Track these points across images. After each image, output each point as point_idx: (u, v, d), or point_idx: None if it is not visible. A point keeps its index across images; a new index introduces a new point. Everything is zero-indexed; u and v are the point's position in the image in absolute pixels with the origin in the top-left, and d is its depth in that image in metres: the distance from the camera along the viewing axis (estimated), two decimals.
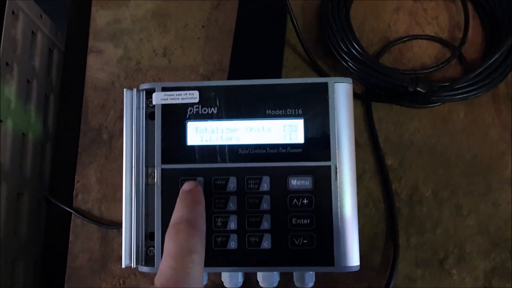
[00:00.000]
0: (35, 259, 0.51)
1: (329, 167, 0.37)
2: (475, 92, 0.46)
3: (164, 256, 0.31)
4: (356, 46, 0.47)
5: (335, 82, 0.38)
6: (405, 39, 0.51)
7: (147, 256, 0.38)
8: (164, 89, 0.39)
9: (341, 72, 0.49)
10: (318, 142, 0.38)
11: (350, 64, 0.48)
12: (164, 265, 0.30)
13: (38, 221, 0.52)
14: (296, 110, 0.38)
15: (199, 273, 0.30)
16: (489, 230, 0.45)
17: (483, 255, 0.45)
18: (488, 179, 0.47)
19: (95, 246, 0.48)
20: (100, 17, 0.54)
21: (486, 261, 0.45)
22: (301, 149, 0.38)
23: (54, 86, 0.58)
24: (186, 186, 0.36)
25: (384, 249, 0.46)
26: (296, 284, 0.40)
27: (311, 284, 0.40)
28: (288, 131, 0.38)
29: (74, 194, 0.49)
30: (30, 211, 0.51)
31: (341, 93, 0.38)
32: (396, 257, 0.44)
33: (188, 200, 0.35)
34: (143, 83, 0.40)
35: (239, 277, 0.40)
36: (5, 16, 0.48)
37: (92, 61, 0.53)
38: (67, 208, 0.49)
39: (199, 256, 0.31)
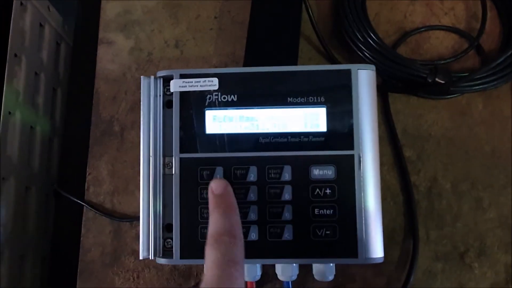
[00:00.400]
0: (44, 255, 0.50)
1: (353, 156, 0.36)
2: (494, 83, 0.45)
3: (208, 266, 0.31)
4: (373, 36, 0.46)
5: (358, 69, 0.37)
6: (421, 29, 0.50)
7: (164, 247, 0.37)
8: (182, 76, 0.38)
9: (357, 63, 0.48)
10: (341, 131, 0.37)
11: (367, 54, 0.47)
12: (209, 274, 0.30)
13: (46, 215, 0.51)
14: (318, 97, 0.37)
15: (242, 284, 0.30)
16: (510, 223, 0.45)
17: (505, 249, 0.44)
18: (508, 172, 0.46)
19: (107, 239, 0.46)
20: (110, 7, 0.53)
21: (508, 255, 0.44)
22: (324, 138, 0.37)
23: (62, 80, 0.56)
24: (216, 188, 0.35)
25: (403, 243, 0.45)
26: (316, 277, 0.39)
27: (331, 277, 0.39)
28: (310, 119, 0.37)
29: (85, 187, 0.48)
30: (38, 205, 0.50)
31: (365, 80, 0.37)
32: (416, 251, 0.43)
33: (224, 208, 0.34)
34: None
35: (258, 269, 0.39)
36: (13, 6, 0.47)
37: (102, 52, 0.52)
38: (79, 201, 0.47)
39: (241, 266, 0.31)
